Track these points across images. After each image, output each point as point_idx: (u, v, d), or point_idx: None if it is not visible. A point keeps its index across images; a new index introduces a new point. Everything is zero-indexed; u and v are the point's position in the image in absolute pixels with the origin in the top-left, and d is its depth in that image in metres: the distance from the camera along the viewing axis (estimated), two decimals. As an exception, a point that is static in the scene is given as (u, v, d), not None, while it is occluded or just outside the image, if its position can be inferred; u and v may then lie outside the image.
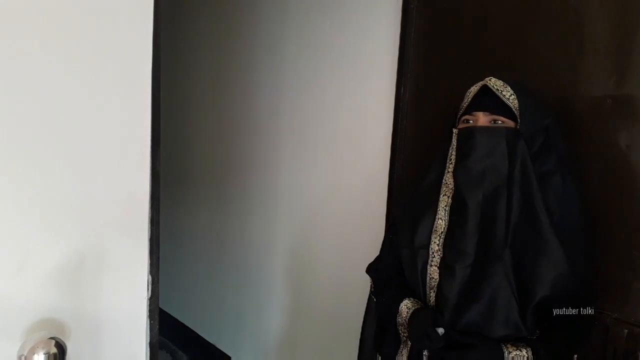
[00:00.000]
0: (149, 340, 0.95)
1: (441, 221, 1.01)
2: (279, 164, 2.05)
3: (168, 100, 1.20)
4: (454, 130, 1.03)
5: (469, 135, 0.98)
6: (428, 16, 1.44)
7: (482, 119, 0.98)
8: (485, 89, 0.98)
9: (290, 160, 2.00)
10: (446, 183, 1.03)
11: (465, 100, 1.03)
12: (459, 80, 1.33)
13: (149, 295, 0.93)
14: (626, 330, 0.98)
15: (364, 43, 1.66)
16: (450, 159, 1.02)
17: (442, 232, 1.01)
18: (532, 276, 0.90)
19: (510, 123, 0.96)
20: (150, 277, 0.93)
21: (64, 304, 0.83)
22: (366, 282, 1.67)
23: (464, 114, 1.02)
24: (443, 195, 1.02)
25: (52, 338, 0.75)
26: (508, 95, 0.95)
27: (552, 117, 0.97)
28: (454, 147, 1.02)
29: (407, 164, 1.50)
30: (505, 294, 0.92)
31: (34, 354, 0.72)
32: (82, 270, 0.85)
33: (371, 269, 1.23)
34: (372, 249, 1.58)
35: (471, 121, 1.00)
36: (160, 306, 0.96)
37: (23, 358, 0.73)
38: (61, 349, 0.75)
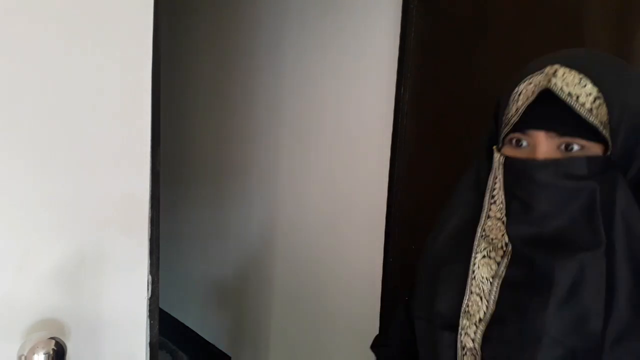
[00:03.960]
0: (149, 340, 0.94)
1: (480, 300, 0.62)
2: (278, 164, 2.05)
3: (168, 100, 1.20)
4: (497, 156, 0.64)
5: (523, 173, 0.60)
6: (428, 16, 1.44)
7: (545, 144, 0.59)
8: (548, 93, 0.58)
9: (290, 160, 1.99)
10: (486, 235, 0.64)
11: (514, 110, 0.61)
12: (459, 79, 1.33)
13: (149, 295, 0.93)
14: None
15: (364, 43, 1.66)
16: (493, 196, 0.64)
17: (481, 319, 0.62)
18: None
19: (594, 147, 0.58)
20: (150, 277, 0.92)
21: (64, 304, 0.83)
22: (367, 282, 1.67)
23: (513, 130, 0.62)
24: (484, 257, 0.63)
25: (52, 338, 0.75)
26: (589, 102, 0.56)
27: None
28: (500, 179, 0.64)
29: (407, 164, 1.49)
30: None
31: (34, 354, 0.72)
32: (82, 270, 0.85)
33: (375, 345, 0.90)
34: (371, 249, 1.58)
35: (524, 143, 0.61)
36: (160, 306, 0.96)
37: (23, 358, 0.72)
38: (61, 349, 0.75)
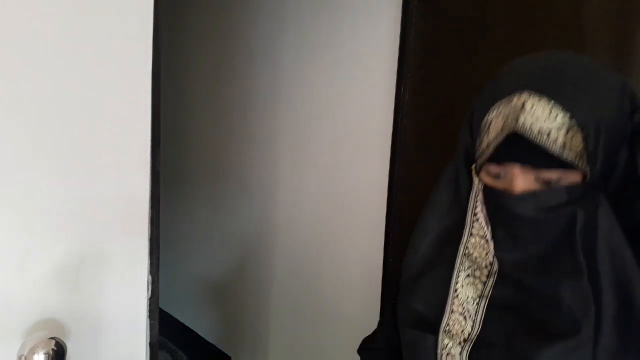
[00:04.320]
0: (149, 340, 0.95)
1: (463, 320, 0.62)
2: (278, 164, 2.05)
3: (168, 100, 1.20)
4: (476, 181, 0.63)
5: (502, 205, 0.59)
6: (428, 16, 1.44)
7: (521, 178, 0.57)
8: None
9: (289, 160, 1.99)
10: (469, 252, 0.63)
11: (485, 143, 0.60)
12: (459, 79, 1.33)
13: (149, 295, 0.93)
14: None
15: (364, 43, 1.66)
16: (475, 214, 0.63)
17: (466, 339, 0.61)
18: None
19: (572, 175, 0.56)
20: (150, 277, 0.93)
21: (64, 304, 0.83)
22: (367, 282, 1.67)
23: (488, 160, 0.60)
24: (468, 276, 0.63)
25: (52, 338, 0.75)
26: (561, 136, 0.53)
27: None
28: (481, 203, 0.63)
29: (407, 164, 1.49)
30: None
31: (34, 354, 0.72)
32: (82, 270, 0.85)
33: (362, 348, 0.87)
34: (371, 249, 1.58)
35: (501, 175, 0.59)
36: (160, 306, 0.96)
37: (23, 358, 0.73)
38: (61, 349, 0.75)
